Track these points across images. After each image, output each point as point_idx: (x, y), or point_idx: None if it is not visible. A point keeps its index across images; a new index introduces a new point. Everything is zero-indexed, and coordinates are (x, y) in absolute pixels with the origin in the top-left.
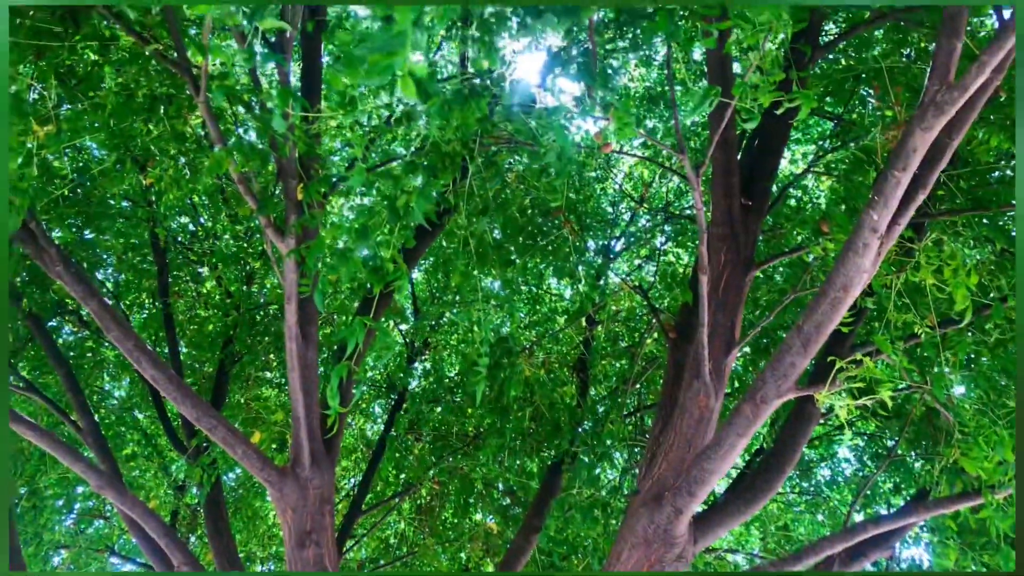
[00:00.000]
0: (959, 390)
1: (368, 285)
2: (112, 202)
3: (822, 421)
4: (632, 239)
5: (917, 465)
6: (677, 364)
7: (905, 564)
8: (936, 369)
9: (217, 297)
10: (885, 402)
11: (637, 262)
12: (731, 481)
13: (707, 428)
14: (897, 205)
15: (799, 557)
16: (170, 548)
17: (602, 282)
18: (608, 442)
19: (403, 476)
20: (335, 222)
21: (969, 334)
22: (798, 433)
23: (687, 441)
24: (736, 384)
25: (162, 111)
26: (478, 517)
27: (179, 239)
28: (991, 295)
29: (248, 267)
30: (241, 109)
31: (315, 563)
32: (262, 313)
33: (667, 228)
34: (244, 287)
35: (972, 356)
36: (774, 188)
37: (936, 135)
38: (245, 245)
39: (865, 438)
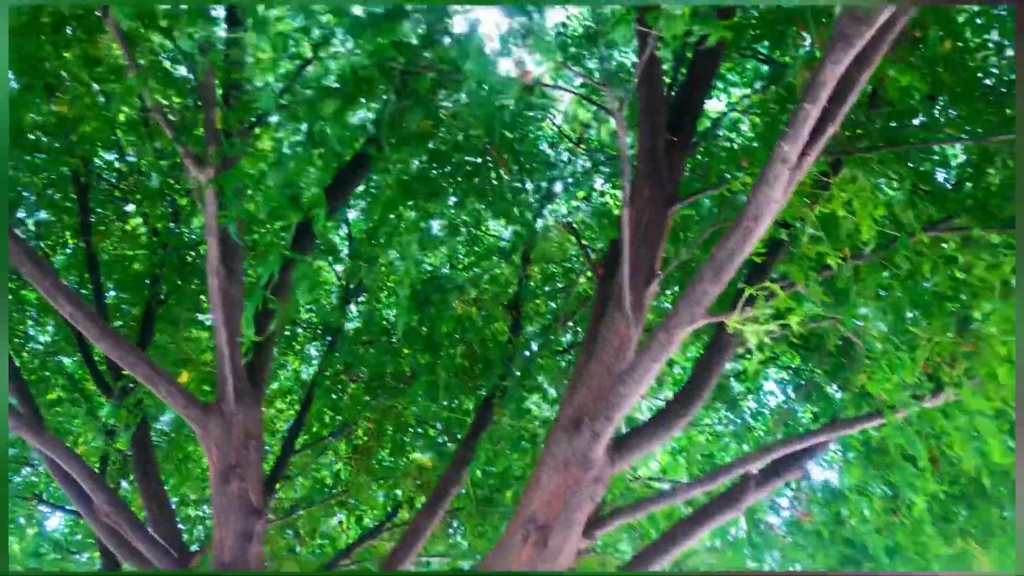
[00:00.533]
0: (870, 319)
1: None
2: (30, 137)
3: (748, 356)
4: (570, 181)
5: (838, 396)
6: (604, 300)
7: (818, 487)
8: (849, 299)
9: (143, 236)
10: (799, 331)
11: (575, 203)
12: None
13: (626, 357)
14: (807, 137)
15: (715, 475)
16: (94, 491)
17: (539, 223)
18: (539, 377)
19: (338, 417)
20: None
21: (881, 269)
22: (714, 362)
23: (607, 369)
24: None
25: (69, 31)
26: (415, 456)
27: (103, 176)
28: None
29: (175, 204)
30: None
31: (239, 497)
32: (192, 253)
33: (604, 169)
34: (171, 225)
35: (884, 288)
36: (701, 127)
37: (845, 69)
38: (172, 181)
39: (790, 371)
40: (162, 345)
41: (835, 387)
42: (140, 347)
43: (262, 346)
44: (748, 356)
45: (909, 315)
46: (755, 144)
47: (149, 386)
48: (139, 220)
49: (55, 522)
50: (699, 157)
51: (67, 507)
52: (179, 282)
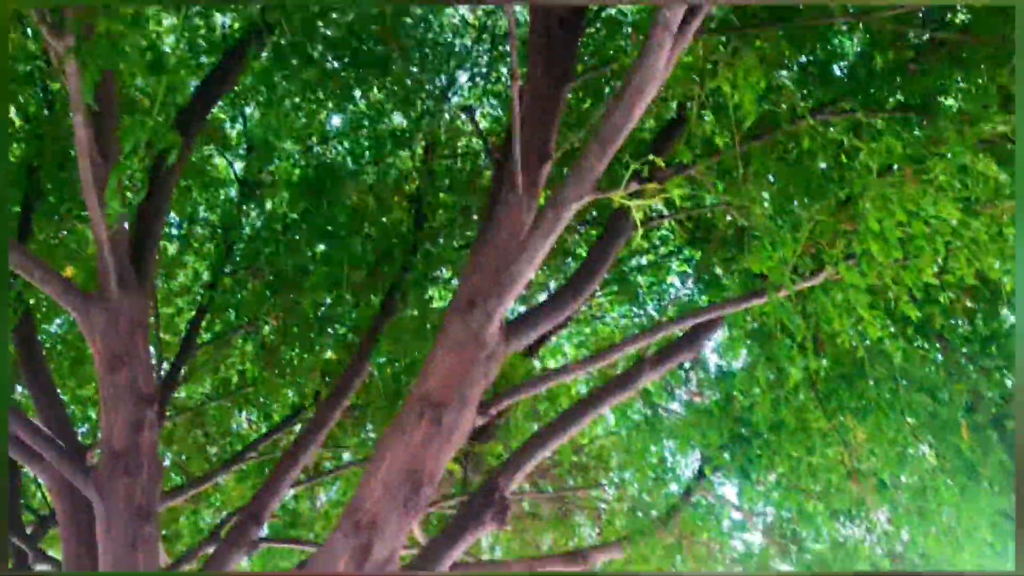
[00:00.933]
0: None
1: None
2: None
3: (651, 250)
4: (473, 70)
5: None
6: (501, 183)
7: (711, 369)
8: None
9: (17, 124)
10: (702, 215)
11: (475, 92)
12: None
13: (518, 238)
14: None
15: (609, 352)
16: None
17: (439, 111)
18: (442, 269)
19: (243, 317)
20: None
21: (771, 152)
22: (608, 244)
23: (499, 250)
24: None
25: None
26: (327, 355)
27: None
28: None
29: (49, 90)
30: None
31: (128, 385)
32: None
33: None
34: (46, 112)
35: (772, 172)
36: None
37: None
38: (43, 65)
39: (691, 264)
40: (45, 241)
41: (729, 274)
42: (20, 242)
43: (148, 231)
44: (652, 249)
45: (795, 200)
46: (643, 17)
47: (23, 274)
48: (11, 108)
49: None
50: (594, 35)
51: None
52: (58, 173)
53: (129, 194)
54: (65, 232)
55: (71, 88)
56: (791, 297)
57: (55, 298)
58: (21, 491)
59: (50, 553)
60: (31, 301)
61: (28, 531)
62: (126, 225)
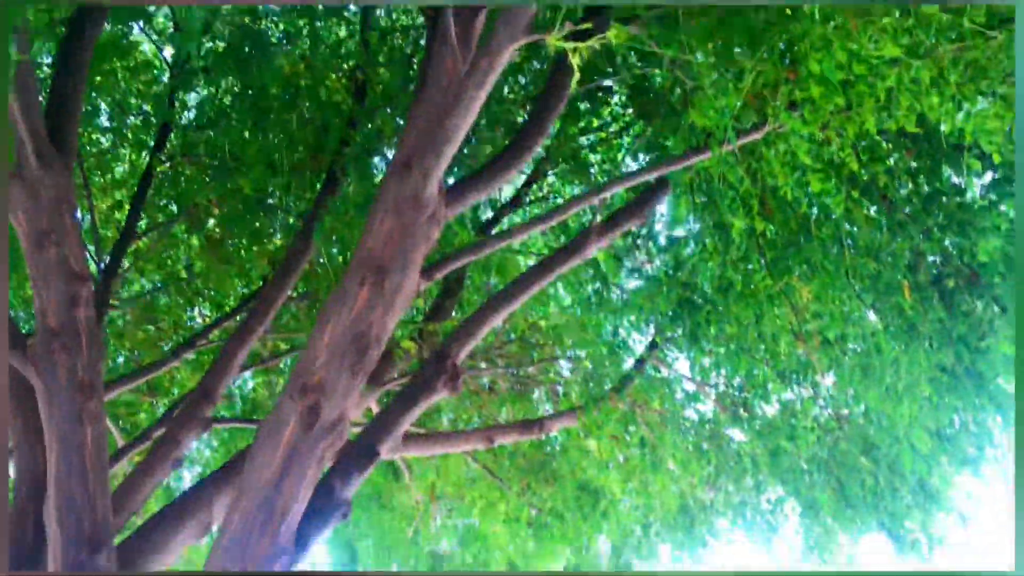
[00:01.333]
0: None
1: None
2: None
3: (601, 128)
4: None
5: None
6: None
7: (661, 237)
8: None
9: None
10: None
11: None
12: None
13: (453, 93)
14: None
15: (550, 215)
16: None
17: None
18: (383, 144)
19: (181, 203)
20: None
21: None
22: (549, 106)
23: (434, 107)
24: None
25: None
26: (273, 243)
27: None
28: None
29: None
30: None
31: (58, 263)
32: None
33: None
34: None
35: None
36: None
37: None
38: None
39: (640, 140)
40: None
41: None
42: None
43: (62, 108)
44: (603, 127)
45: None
46: None
47: None
48: None
49: None
50: None
51: None
52: None
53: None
54: None
55: None
56: (734, 153)
57: None
58: None
59: None
60: None
61: None
62: (40, 99)
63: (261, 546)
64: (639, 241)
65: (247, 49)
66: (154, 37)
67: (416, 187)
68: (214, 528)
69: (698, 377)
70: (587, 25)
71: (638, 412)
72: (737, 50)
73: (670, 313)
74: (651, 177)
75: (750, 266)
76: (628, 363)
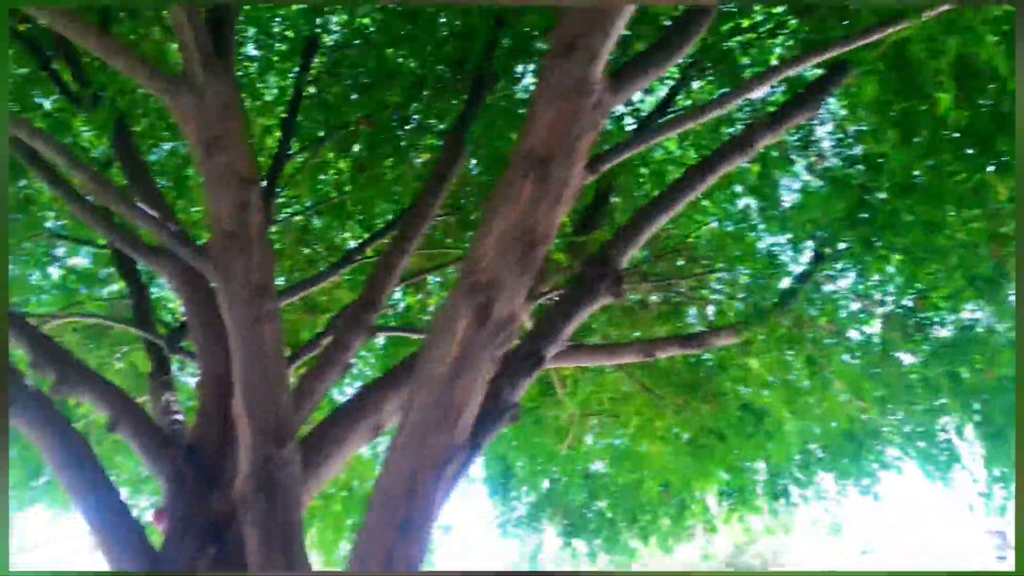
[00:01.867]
0: None
1: None
2: None
3: (752, 30)
4: None
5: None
6: None
7: (829, 138)
8: None
9: None
10: None
11: None
12: None
13: None
14: None
15: (719, 102)
16: (72, 167)
17: None
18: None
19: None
20: None
21: None
22: None
23: None
24: None
25: None
26: (420, 161)
27: None
28: None
29: None
30: None
31: (228, 168)
32: None
33: None
34: None
35: None
36: None
37: None
38: None
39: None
40: (123, 36)
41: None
42: None
43: (223, 18)
44: (752, 29)
45: None
46: None
47: (106, 57)
48: None
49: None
50: None
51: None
52: None
53: None
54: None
55: None
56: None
57: (141, 82)
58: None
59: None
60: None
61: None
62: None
63: (438, 442)
64: (809, 138)
65: None
66: None
67: (581, 70)
68: (384, 429)
69: (866, 292)
70: None
71: (804, 329)
72: None
73: (843, 219)
74: (833, 52)
75: (935, 162)
76: (786, 282)
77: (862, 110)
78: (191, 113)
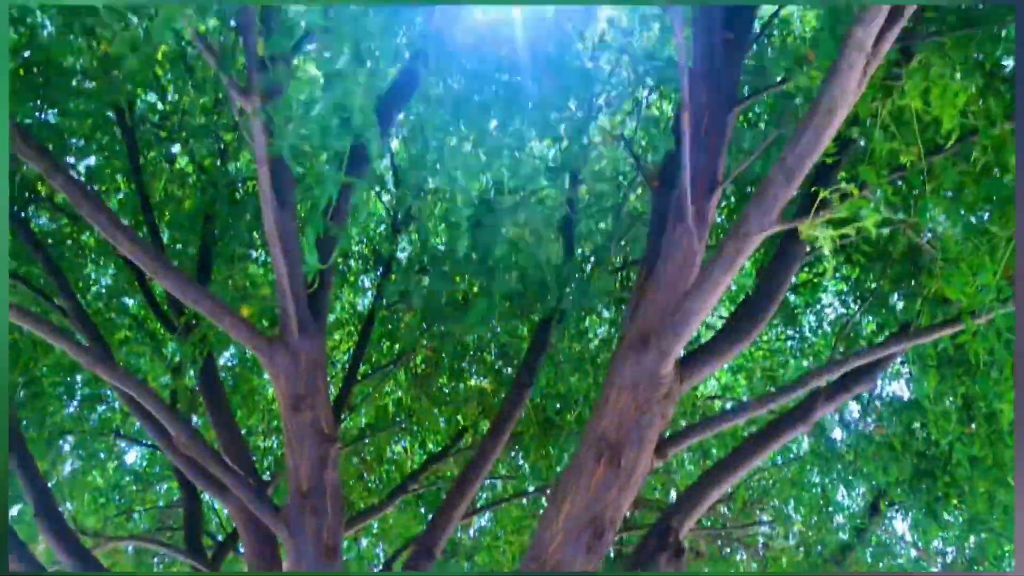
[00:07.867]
0: (942, 220)
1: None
2: (74, 83)
3: (806, 268)
4: (613, 92)
5: (900, 305)
6: (661, 214)
7: (888, 399)
8: (921, 198)
9: (192, 174)
10: (869, 236)
11: (619, 117)
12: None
13: (691, 272)
14: (883, 21)
15: (784, 392)
16: (170, 423)
17: (585, 139)
18: (595, 298)
19: (396, 346)
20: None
21: (955, 165)
22: (781, 273)
23: (671, 285)
24: (720, 235)
25: None
26: (473, 382)
27: (147, 118)
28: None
29: (221, 141)
30: None
31: (311, 425)
32: (241, 189)
33: (648, 80)
34: (219, 162)
35: (957, 187)
36: (757, 23)
37: None
38: (215, 117)
39: (850, 282)
40: (219, 283)
41: (898, 296)
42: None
43: (321, 276)
44: (806, 268)
45: (981, 215)
46: (817, 34)
47: (214, 320)
48: (186, 160)
49: (133, 457)
50: (758, 55)
51: (144, 441)
52: (231, 219)
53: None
54: (235, 276)
55: (256, 145)
56: (992, 324)
57: (241, 341)
58: (201, 517)
59: None
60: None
61: (209, 556)
62: (304, 272)
63: None
64: (868, 405)
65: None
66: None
67: (653, 365)
68: None
69: (922, 543)
70: (843, 214)
71: None
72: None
73: (904, 482)
74: (894, 350)
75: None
76: (839, 520)
77: (922, 397)
78: (283, 372)
